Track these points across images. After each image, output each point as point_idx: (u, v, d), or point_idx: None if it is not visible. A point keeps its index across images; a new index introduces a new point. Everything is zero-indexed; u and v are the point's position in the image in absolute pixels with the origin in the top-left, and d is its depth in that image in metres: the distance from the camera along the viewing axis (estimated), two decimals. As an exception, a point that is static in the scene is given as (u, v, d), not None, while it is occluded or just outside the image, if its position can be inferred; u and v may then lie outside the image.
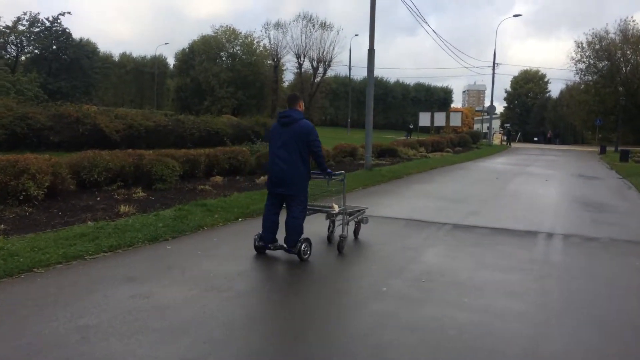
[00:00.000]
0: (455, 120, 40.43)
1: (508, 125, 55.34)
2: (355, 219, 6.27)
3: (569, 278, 5.14)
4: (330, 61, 51.53)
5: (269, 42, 51.76)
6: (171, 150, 11.09)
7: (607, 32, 46.22)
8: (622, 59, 46.14)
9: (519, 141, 52.05)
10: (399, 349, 3.32)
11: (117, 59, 66.21)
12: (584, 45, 47.22)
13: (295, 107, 5.39)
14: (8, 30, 41.64)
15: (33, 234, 5.58)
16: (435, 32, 47.00)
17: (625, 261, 5.96)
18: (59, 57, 44.71)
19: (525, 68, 74.33)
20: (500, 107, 77.01)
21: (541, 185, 13.60)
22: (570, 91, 53.55)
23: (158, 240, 5.81)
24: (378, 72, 66.78)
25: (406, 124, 49.55)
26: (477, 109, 71.03)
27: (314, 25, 50.29)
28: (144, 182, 9.25)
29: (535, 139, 57.29)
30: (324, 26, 50.47)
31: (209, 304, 3.95)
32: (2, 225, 5.94)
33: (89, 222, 6.23)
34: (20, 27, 42.90)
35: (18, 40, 43.89)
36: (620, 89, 44.15)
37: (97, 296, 4.01)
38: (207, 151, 11.89)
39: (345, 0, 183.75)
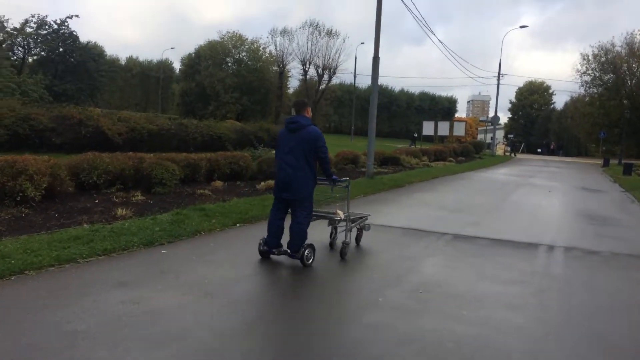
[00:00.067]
0: (459, 130, 40.33)
1: (512, 135, 55.25)
2: (358, 226, 6.28)
3: (570, 291, 5.04)
4: (335, 69, 51.62)
5: (275, 48, 51.96)
6: (172, 154, 11.05)
7: (613, 45, 46.21)
8: (627, 72, 46.07)
9: (522, 152, 51.90)
10: (392, 362, 3.24)
11: (123, 63, 66.56)
12: (589, 57, 47.20)
13: (302, 113, 5.41)
14: (16, 32, 41.90)
15: (27, 236, 5.52)
16: (441, 42, 47.08)
17: (626, 275, 5.86)
18: (65, 60, 45.00)
19: (530, 79, 74.37)
20: (504, 117, 77.02)
21: (543, 196, 13.49)
22: (574, 103, 53.46)
23: (154, 245, 5.75)
24: (383, 81, 66.93)
25: (410, 133, 49.53)
26: (481, 119, 71.04)
27: (320, 33, 50.45)
28: (143, 186, 9.20)
29: (539, 150, 57.16)
30: (330, 34, 50.62)
31: (201, 311, 3.87)
32: (-2, 226, 5.89)
33: (85, 225, 6.18)
34: (28, 29, 43.19)
35: (25, 42, 44.19)
36: (625, 102, 43.98)
37: (87, 301, 3.94)
38: (208, 155, 11.85)
39: (352, 9, 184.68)
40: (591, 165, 32.97)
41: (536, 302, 4.65)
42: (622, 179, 21.05)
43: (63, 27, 44.02)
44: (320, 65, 51.10)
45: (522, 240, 7.34)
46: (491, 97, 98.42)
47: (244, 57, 52.41)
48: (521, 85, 73.35)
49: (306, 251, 5.28)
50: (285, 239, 5.44)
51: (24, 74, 35.33)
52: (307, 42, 50.18)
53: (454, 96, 71.24)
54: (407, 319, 4.01)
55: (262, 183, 11.08)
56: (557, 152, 53.36)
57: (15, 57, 43.30)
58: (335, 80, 56.18)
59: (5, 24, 39.20)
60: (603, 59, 46.49)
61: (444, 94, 73.46)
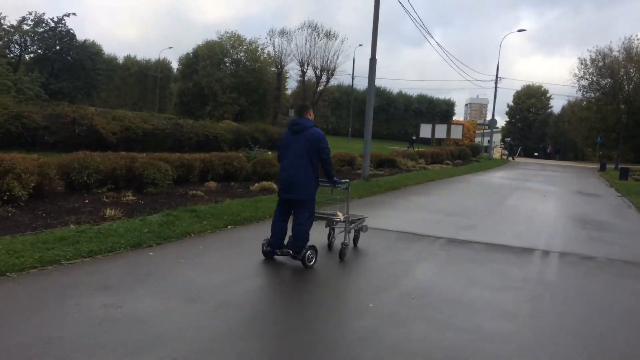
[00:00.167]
0: (456, 133, 40.30)
1: (509, 139, 55.26)
2: (356, 227, 6.33)
3: (563, 299, 4.95)
4: (333, 70, 51.43)
5: (273, 49, 51.72)
6: (165, 154, 10.93)
7: (610, 50, 46.18)
8: (625, 77, 46.05)
9: (520, 155, 51.88)
10: (380, 372, 3.14)
11: (121, 62, 66.30)
12: (587, 62, 47.16)
13: (305, 115, 5.51)
14: (12, 30, 41.69)
15: (10, 236, 5.40)
16: (439, 45, 47.08)
17: (621, 283, 5.78)
18: (62, 58, 44.77)
19: (528, 83, 74.36)
20: (502, 121, 77.03)
21: (539, 201, 13.42)
22: (572, 107, 53.47)
23: (141, 247, 5.63)
24: (381, 83, 66.89)
25: (408, 135, 49.42)
26: (478, 122, 70.99)
27: (318, 34, 50.23)
28: (135, 186, 9.09)
29: (536, 154, 57.18)
30: (328, 35, 50.42)
31: (185, 316, 3.76)
32: (-18, 226, 5.77)
33: (71, 226, 6.06)
34: (25, 27, 42.98)
35: (22, 40, 43.96)
36: (622, 106, 44.00)
37: (68, 304, 3.82)
38: (202, 156, 11.75)
39: (351, 11, 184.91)
40: (588, 170, 32.96)
41: (529, 309, 4.55)
42: (618, 183, 21.02)
43: (60, 25, 43.77)
44: (319, 66, 50.94)
45: (517, 245, 7.25)
46: (489, 101, 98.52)
47: (242, 58, 52.19)
48: (519, 89, 73.51)
49: (308, 252, 5.30)
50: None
51: (20, 71, 35.12)
52: (306, 44, 50.02)
53: (451, 99, 71.16)
54: (396, 326, 3.90)
55: (256, 184, 10.98)
56: (553, 156, 53.39)
57: (11, 55, 43.04)
58: (333, 82, 56.08)
59: (2, 22, 39.04)
60: (600, 64, 46.47)
61: (442, 96, 73.49)
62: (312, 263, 5.35)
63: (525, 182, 19.18)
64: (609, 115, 44.83)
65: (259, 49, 52.21)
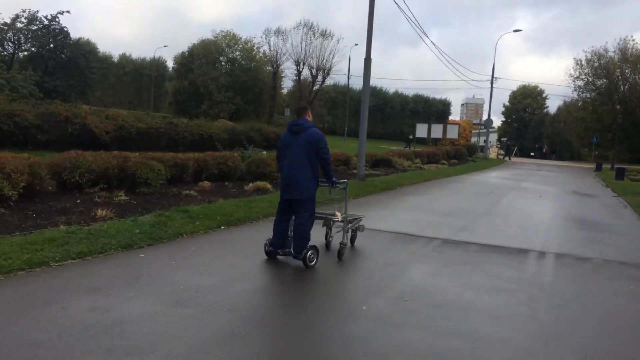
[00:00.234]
0: (452, 133, 40.32)
1: (505, 139, 55.32)
2: (353, 227, 6.36)
3: (559, 302, 4.89)
4: (329, 69, 51.23)
5: (269, 48, 51.47)
6: (159, 154, 10.83)
7: (606, 50, 46.34)
8: (620, 78, 46.20)
9: (516, 155, 51.96)
10: (372, 378, 3.07)
11: (116, 60, 65.94)
12: (582, 62, 47.31)
13: (304, 116, 5.55)
14: (6, 27, 41.34)
15: (-2, 237, 5.30)
16: (435, 45, 47.12)
17: (617, 285, 5.73)
18: (56, 56, 44.37)
19: (524, 83, 74.50)
20: (498, 121, 77.17)
21: (535, 201, 13.39)
22: (567, 108, 53.59)
23: (132, 248, 5.55)
24: (378, 83, 66.79)
25: (404, 135, 49.37)
26: (474, 122, 71.08)
27: (314, 34, 50.03)
28: (127, 185, 9.00)
29: (532, 153, 57.28)
30: (324, 34, 50.27)
31: (173, 321, 3.68)
32: (-30, 227, 5.67)
33: (61, 226, 5.96)
34: (19, 25, 42.60)
35: (16, 38, 43.59)
36: (618, 107, 44.13)
37: (54, 308, 3.74)
38: (196, 155, 11.66)
39: (347, 10, 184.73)
40: (583, 170, 33.00)
41: (524, 313, 4.49)
42: (614, 183, 21.04)
43: (54, 23, 43.37)
44: (314, 66, 50.82)
45: (513, 246, 7.20)
46: (485, 101, 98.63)
47: (238, 57, 51.93)
48: (515, 89, 73.63)
49: (309, 252, 5.32)
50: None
51: (13, 69, 34.82)
52: (301, 43, 49.82)
53: (448, 99, 71.12)
54: (388, 330, 3.83)
55: (251, 184, 10.90)
56: (549, 156, 53.48)
57: (5, 53, 42.71)
58: (329, 81, 55.83)
59: (-5, 19, 38.71)
60: (596, 64, 46.62)
61: (438, 96, 73.50)
62: (313, 263, 5.37)
63: (521, 182, 19.17)
64: (604, 115, 44.98)
65: (255, 48, 52.00)
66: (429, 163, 24.82)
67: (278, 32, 50.16)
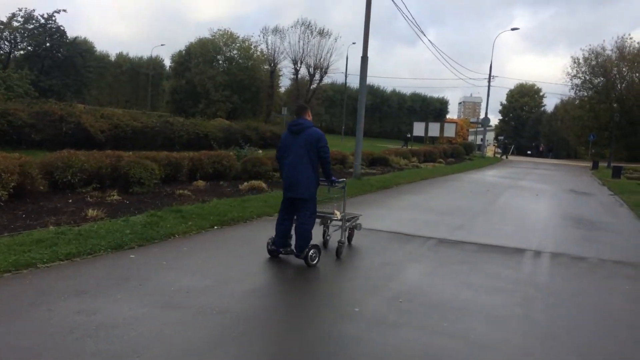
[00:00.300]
0: (450, 131, 40.23)
1: (502, 137, 55.33)
2: (350, 226, 6.36)
3: (555, 302, 4.83)
4: (327, 68, 51.17)
5: (267, 47, 51.39)
6: (152, 153, 10.74)
7: (603, 49, 46.24)
8: (617, 76, 46.14)
9: (513, 154, 51.98)
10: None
11: (113, 59, 65.70)
12: (580, 60, 47.21)
13: (303, 116, 5.59)
14: (2, 26, 41.14)
15: (-15, 238, 5.21)
16: (432, 44, 47.07)
17: (613, 284, 5.67)
18: (52, 55, 44.18)
19: (521, 82, 74.55)
20: (495, 119, 77.15)
21: (532, 199, 13.35)
22: (564, 106, 53.51)
23: (123, 249, 5.46)
24: (375, 81, 66.81)
25: (402, 133, 49.37)
26: (471, 120, 71.10)
27: (312, 32, 49.98)
28: (120, 185, 8.91)
29: (529, 152, 57.28)
30: (322, 33, 50.18)
31: (162, 323, 3.60)
32: (-43, 227, 5.58)
33: (51, 227, 5.87)
34: (15, 24, 42.40)
35: (12, 37, 43.37)
36: (615, 105, 44.09)
37: (40, 311, 3.66)
38: (191, 154, 11.58)
39: (345, 9, 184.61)
40: (580, 168, 33.01)
41: (521, 313, 4.43)
42: (611, 182, 21.02)
43: (50, 21, 43.17)
44: (312, 64, 50.75)
45: (509, 246, 7.14)
46: (482, 99, 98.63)
47: (235, 55, 51.81)
48: (512, 87, 73.60)
49: (311, 251, 5.35)
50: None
51: (9, 68, 34.64)
52: (299, 41, 49.76)
53: (445, 97, 71.18)
54: (382, 331, 3.76)
55: (246, 183, 10.82)
56: (546, 154, 53.50)
57: (1, 52, 42.55)
58: (326, 80, 55.77)
59: (-9, 18, 38.51)
60: (593, 63, 46.54)
61: (435, 95, 73.31)
62: (315, 262, 5.39)
63: (518, 181, 19.12)
64: (601, 113, 44.94)
65: (252, 46, 51.89)
66: (426, 162, 24.77)
67: (276, 30, 50.11)
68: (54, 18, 43.66)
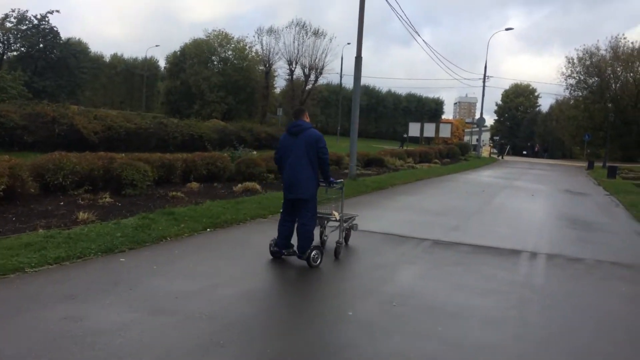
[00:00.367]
0: (445, 132, 40.34)
1: (498, 137, 55.42)
2: (347, 226, 6.37)
3: (551, 304, 4.78)
4: (322, 69, 51.01)
5: (262, 47, 51.20)
6: (145, 154, 10.64)
7: (597, 49, 46.52)
8: (612, 76, 46.41)
9: (508, 154, 52.09)
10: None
11: (107, 60, 65.41)
12: (574, 60, 47.48)
13: (302, 118, 5.63)
14: (-5, 28, 40.91)
15: (-28, 243, 5.12)
16: (427, 44, 47.08)
17: (609, 286, 5.63)
18: (45, 56, 43.92)
19: (516, 82, 74.69)
20: (490, 120, 77.28)
21: (527, 200, 13.33)
22: (559, 106, 53.76)
23: (113, 252, 5.38)
24: (370, 82, 66.69)
25: (397, 134, 49.29)
26: (467, 120, 71.23)
27: (307, 33, 49.85)
28: (113, 187, 8.81)
29: (524, 152, 57.41)
30: (317, 34, 50.06)
31: (149, 330, 3.52)
32: (-56, 231, 5.48)
33: (40, 230, 5.78)
34: (8, 25, 42.14)
35: (5, 38, 43.10)
36: (610, 105, 44.34)
37: (25, 317, 3.57)
38: (184, 156, 11.48)
39: (340, 9, 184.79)
40: (575, 168, 33.07)
41: (515, 316, 4.37)
42: (606, 182, 21.04)
43: (44, 22, 42.92)
44: (307, 65, 50.63)
45: (505, 247, 7.10)
46: (478, 99, 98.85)
47: (230, 56, 51.65)
48: (507, 87, 73.78)
49: (313, 253, 5.38)
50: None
51: (2, 70, 34.41)
52: (294, 42, 49.57)
53: (440, 98, 71.09)
54: (375, 337, 3.69)
55: (240, 185, 10.73)
56: (541, 154, 53.62)
57: (-6, 53, 42.27)
58: (322, 81, 55.58)
59: (-16, 19, 38.24)
60: (588, 63, 46.81)
61: (430, 95, 73.38)
62: (317, 263, 5.41)
63: (514, 181, 19.12)
64: (596, 113, 45.15)
65: (247, 47, 51.76)
66: (421, 162, 24.74)
67: (270, 31, 49.92)
68: (47, 19, 43.42)
